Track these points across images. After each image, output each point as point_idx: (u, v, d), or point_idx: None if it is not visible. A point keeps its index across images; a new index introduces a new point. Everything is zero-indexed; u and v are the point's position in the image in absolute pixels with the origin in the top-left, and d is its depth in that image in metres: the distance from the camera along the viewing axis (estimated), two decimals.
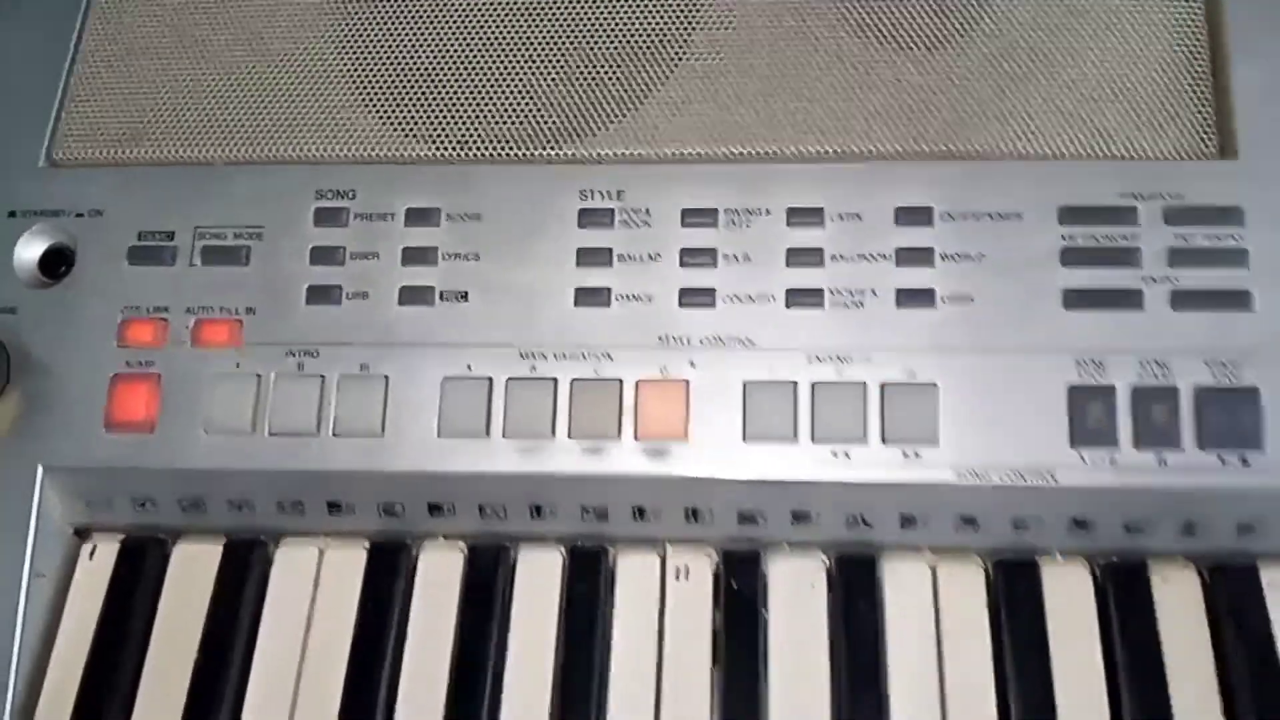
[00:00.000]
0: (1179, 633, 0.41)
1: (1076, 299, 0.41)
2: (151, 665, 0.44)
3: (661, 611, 0.43)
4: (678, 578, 0.43)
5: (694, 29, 0.46)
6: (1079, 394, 0.40)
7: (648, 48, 0.46)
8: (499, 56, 0.46)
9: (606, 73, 0.46)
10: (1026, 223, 0.42)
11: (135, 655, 0.44)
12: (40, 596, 0.44)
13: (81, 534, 0.46)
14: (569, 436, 0.42)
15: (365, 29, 0.47)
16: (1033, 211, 0.42)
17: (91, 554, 0.45)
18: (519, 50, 0.46)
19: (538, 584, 0.44)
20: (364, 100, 0.46)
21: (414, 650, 0.43)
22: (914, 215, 0.42)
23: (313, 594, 0.44)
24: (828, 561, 0.43)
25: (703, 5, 0.46)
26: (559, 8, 0.46)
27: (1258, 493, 0.40)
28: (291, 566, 0.45)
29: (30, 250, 0.46)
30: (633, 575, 0.43)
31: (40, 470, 0.44)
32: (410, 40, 0.47)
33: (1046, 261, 0.42)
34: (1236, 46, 0.43)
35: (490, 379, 0.43)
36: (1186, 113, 0.43)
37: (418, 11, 0.47)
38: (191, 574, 0.45)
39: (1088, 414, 0.40)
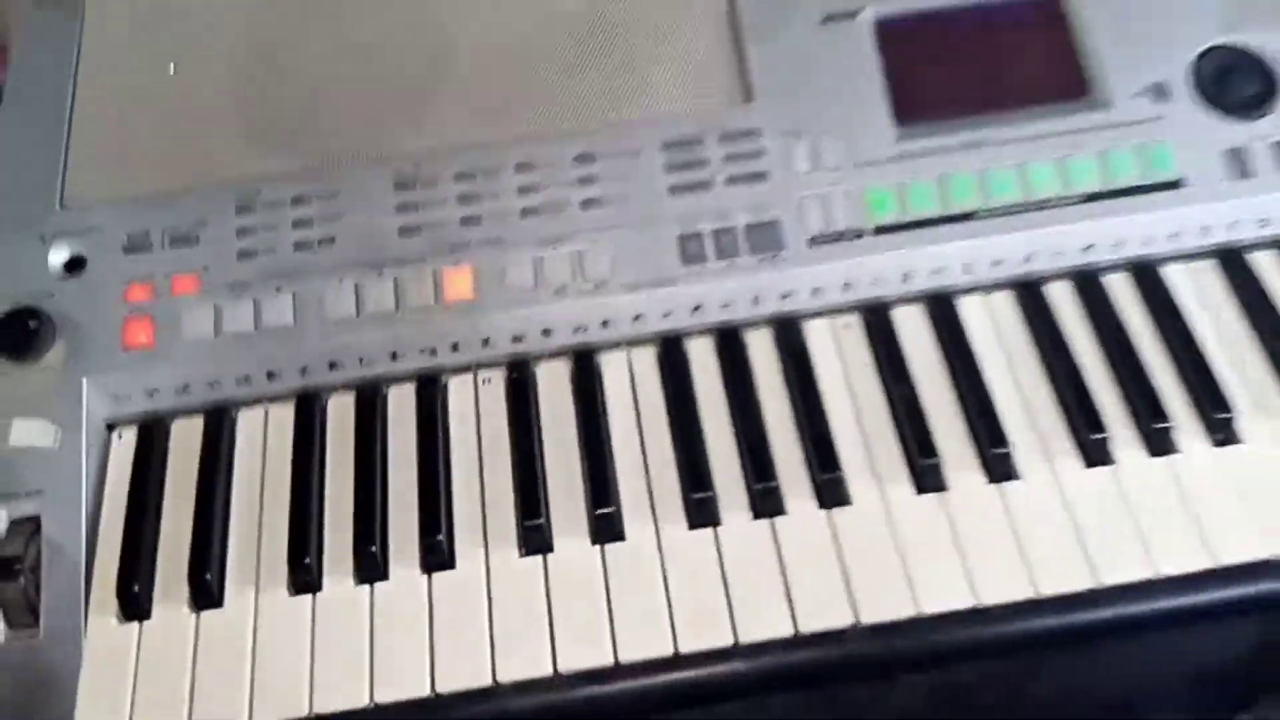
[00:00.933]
0: (766, 378, 0.72)
1: (677, 190, 0.73)
2: (167, 512, 0.69)
3: (477, 411, 0.73)
4: (485, 384, 0.73)
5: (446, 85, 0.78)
6: (683, 238, 0.72)
7: (424, 94, 0.78)
8: (333, 110, 0.77)
9: (399, 108, 0.77)
10: (644, 155, 0.74)
11: (156, 507, 0.69)
12: (91, 470, 0.71)
13: (110, 426, 0.73)
14: (407, 308, 0.72)
15: (252, 92, 0.77)
16: (649, 147, 0.74)
17: (120, 436, 0.73)
18: (345, 102, 0.77)
19: (402, 411, 0.73)
20: (256, 141, 0.77)
21: (331, 471, 0.71)
22: (584, 159, 0.74)
23: (264, 437, 0.73)
24: (570, 364, 0.74)
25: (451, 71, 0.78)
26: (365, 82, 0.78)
27: (790, 277, 0.72)
28: (249, 423, 0.73)
29: (57, 257, 0.73)
30: (457, 390, 0.73)
31: (85, 382, 0.71)
32: (276, 99, 0.78)
33: (659, 173, 0.74)
34: (750, 43, 0.77)
35: (356, 284, 0.72)
36: (730, 81, 0.76)
37: (284, 83, 0.78)
38: (187, 439, 0.73)
39: (689, 249, 0.72)
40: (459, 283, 0.71)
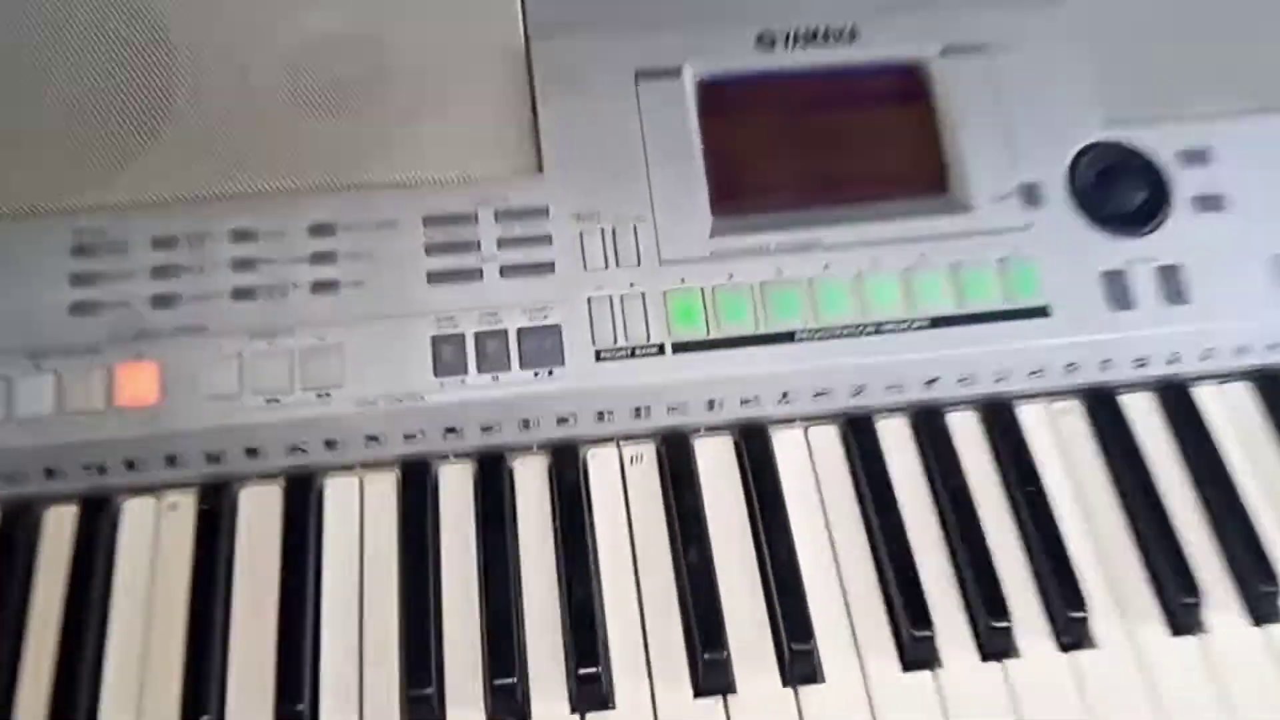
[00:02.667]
0: (534, 511, 0.58)
1: (437, 278, 0.58)
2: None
3: (156, 544, 0.57)
4: (171, 509, 0.58)
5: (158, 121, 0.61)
6: (438, 340, 0.57)
7: (129, 132, 0.61)
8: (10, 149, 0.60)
9: (95, 149, 0.60)
10: (401, 230, 0.59)
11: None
12: None
13: None
14: (68, 411, 0.55)
15: None
16: (408, 221, 0.59)
17: None
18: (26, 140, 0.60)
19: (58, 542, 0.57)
20: None
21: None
22: (322, 230, 0.59)
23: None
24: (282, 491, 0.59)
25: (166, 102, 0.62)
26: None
27: (570, 398, 0.58)
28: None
29: None
30: (132, 516, 0.58)
31: None
32: None
33: (415, 253, 0.59)
34: (543, 101, 0.62)
35: (4, 377, 0.55)
36: (517, 145, 0.62)
37: None
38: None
39: (444, 353, 0.57)
40: (139, 381, 0.55)
